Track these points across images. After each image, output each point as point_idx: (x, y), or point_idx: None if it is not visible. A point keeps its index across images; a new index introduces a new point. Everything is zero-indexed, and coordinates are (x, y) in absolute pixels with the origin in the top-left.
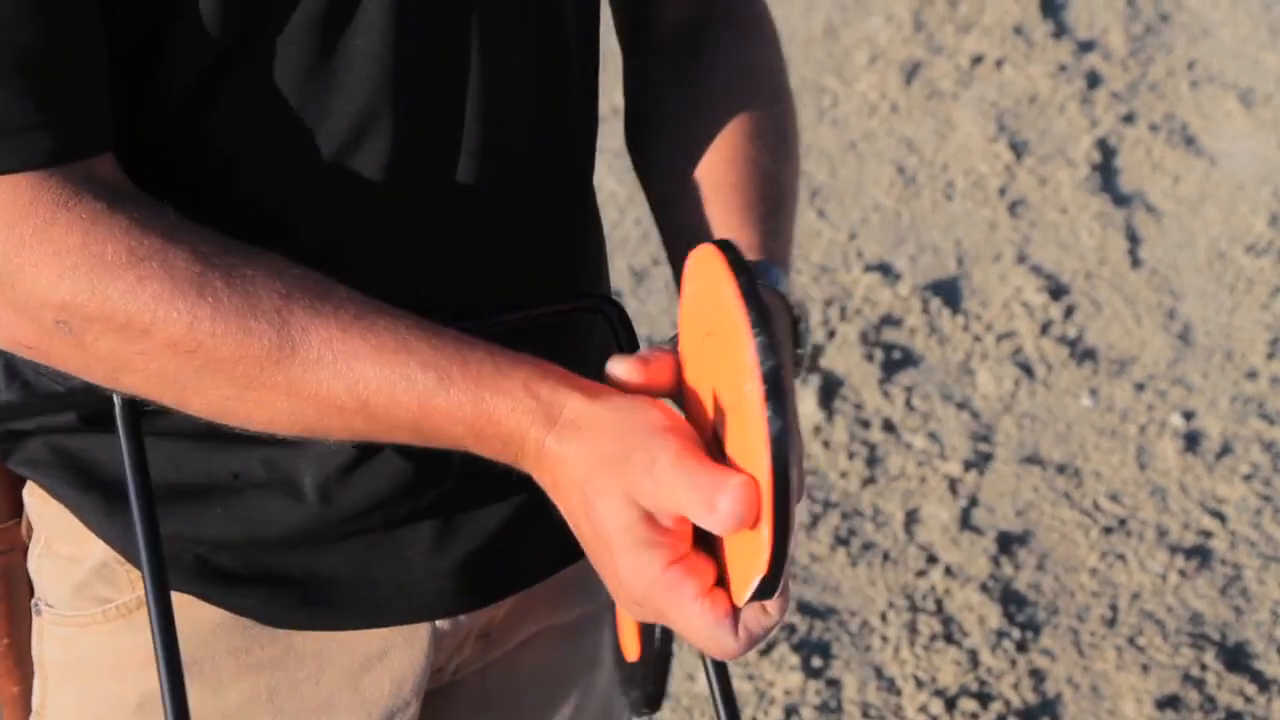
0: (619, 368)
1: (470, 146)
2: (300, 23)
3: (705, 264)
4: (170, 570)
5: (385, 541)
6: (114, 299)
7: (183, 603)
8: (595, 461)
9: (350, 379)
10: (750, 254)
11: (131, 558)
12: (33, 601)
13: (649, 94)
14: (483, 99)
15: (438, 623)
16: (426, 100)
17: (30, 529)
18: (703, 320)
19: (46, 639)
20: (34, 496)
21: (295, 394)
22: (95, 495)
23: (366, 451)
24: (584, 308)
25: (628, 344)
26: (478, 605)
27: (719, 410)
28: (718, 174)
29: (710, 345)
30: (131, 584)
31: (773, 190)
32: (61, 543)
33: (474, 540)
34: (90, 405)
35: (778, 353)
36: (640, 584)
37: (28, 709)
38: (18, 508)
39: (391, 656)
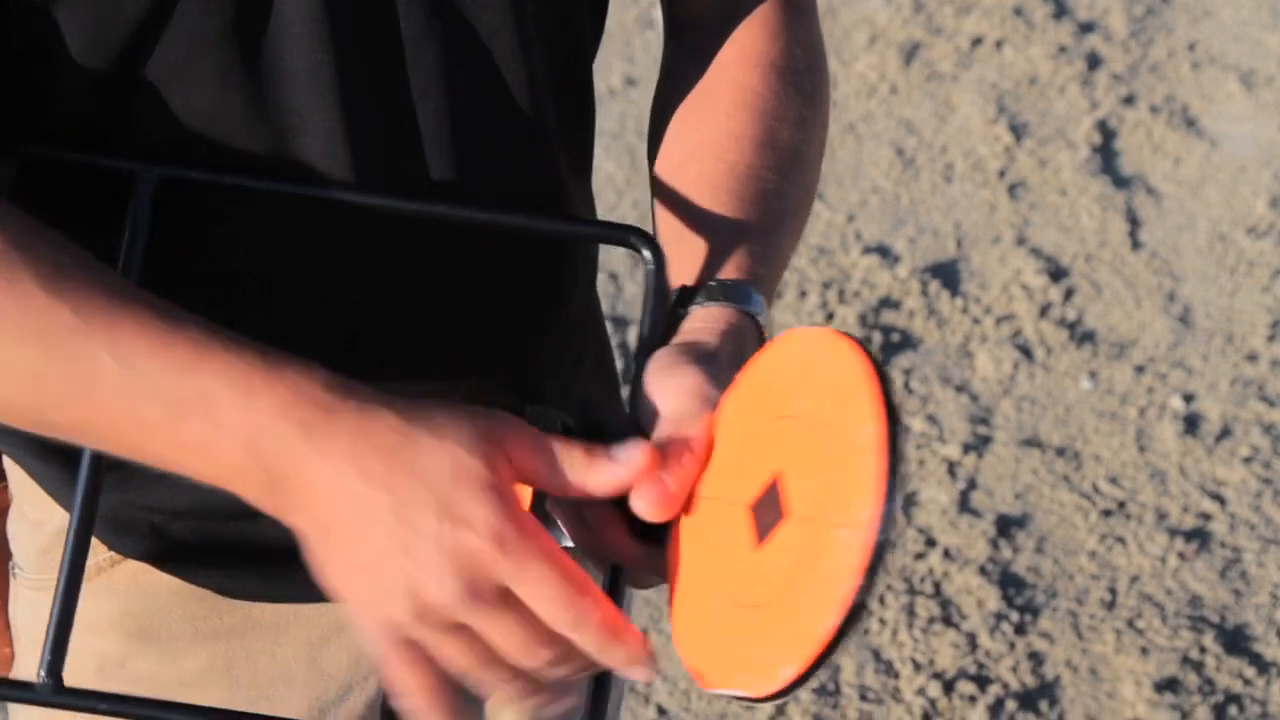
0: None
1: (412, 147)
2: (210, 32)
3: (825, 349)
4: (125, 537)
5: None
6: None
7: (139, 569)
8: (433, 404)
9: (114, 335)
10: (734, 274)
11: (95, 529)
12: (10, 564)
13: (667, 81)
14: (426, 98)
15: None
16: (357, 105)
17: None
18: (784, 401)
19: (19, 602)
20: (8, 459)
21: (48, 351)
22: (53, 463)
23: None
24: (609, 237)
25: (656, 291)
26: None
27: (770, 509)
28: (718, 181)
29: (784, 432)
30: (93, 550)
31: (773, 206)
32: (29, 506)
33: None
34: None
35: (891, 527)
36: (493, 526)
37: None
38: (3, 471)
39: (350, 630)
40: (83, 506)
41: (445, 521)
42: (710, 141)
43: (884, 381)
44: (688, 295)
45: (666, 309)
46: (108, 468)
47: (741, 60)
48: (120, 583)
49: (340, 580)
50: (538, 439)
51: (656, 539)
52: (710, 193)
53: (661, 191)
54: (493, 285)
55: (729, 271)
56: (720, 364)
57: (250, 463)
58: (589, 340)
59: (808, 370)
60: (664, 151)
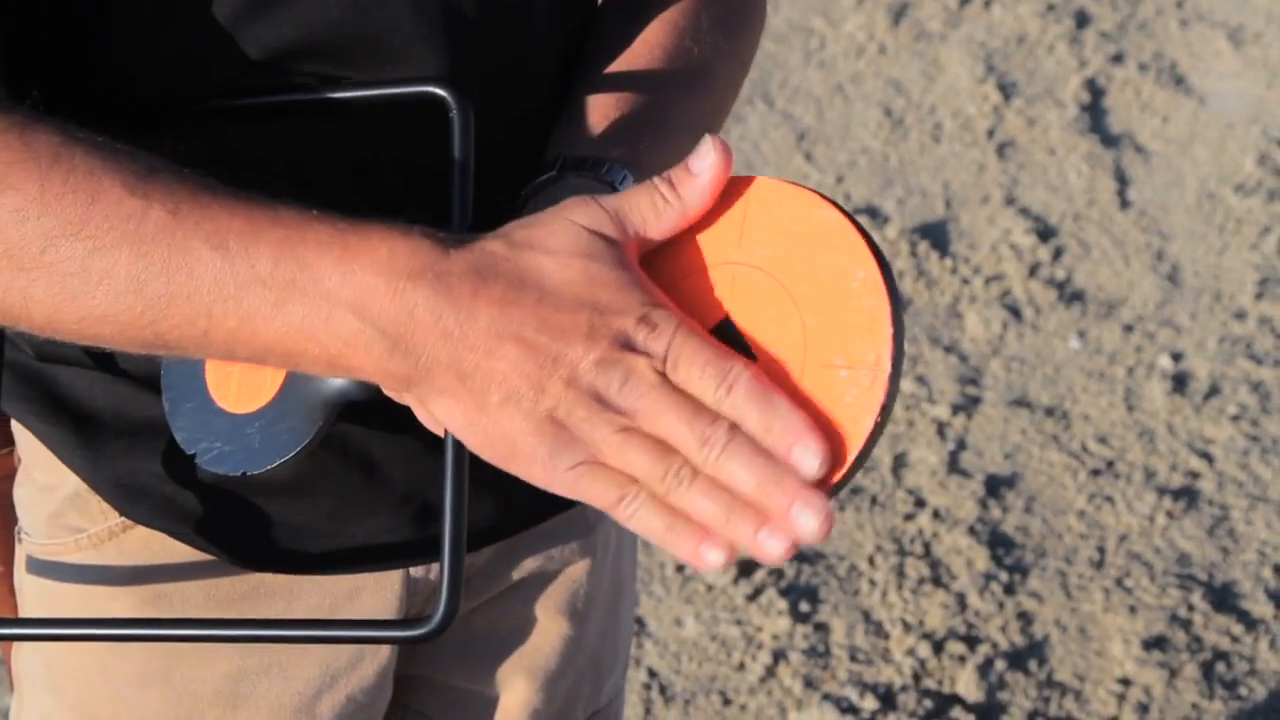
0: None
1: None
2: None
3: (782, 199)
4: (137, 505)
5: (355, 488)
6: None
7: (150, 535)
8: (526, 221)
9: (208, 226)
10: (614, 156)
11: (103, 491)
12: (15, 529)
13: (596, 16)
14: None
15: (411, 570)
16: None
17: (19, 458)
18: (730, 248)
19: (25, 565)
20: (17, 423)
21: (144, 251)
22: (64, 427)
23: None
24: (413, 95)
25: (463, 145)
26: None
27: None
28: (621, 79)
29: (734, 277)
30: (104, 514)
31: (671, 114)
32: (38, 470)
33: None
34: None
35: (901, 366)
36: (642, 310)
37: None
38: (9, 437)
39: (362, 598)
40: None
41: (595, 314)
42: (625, 47)
43: (862, 227)
44: (563, 163)
45: (470, 168)
46: (118, 434)
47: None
48: (132, 548)
49: (496, 427)
50: (627, 203)
51: None
52: (613, 88)
53: (574, 82)
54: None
55: (609, 154)
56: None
57: (367, 328)
58: None
59: (760, 219)
60: (589, 52)
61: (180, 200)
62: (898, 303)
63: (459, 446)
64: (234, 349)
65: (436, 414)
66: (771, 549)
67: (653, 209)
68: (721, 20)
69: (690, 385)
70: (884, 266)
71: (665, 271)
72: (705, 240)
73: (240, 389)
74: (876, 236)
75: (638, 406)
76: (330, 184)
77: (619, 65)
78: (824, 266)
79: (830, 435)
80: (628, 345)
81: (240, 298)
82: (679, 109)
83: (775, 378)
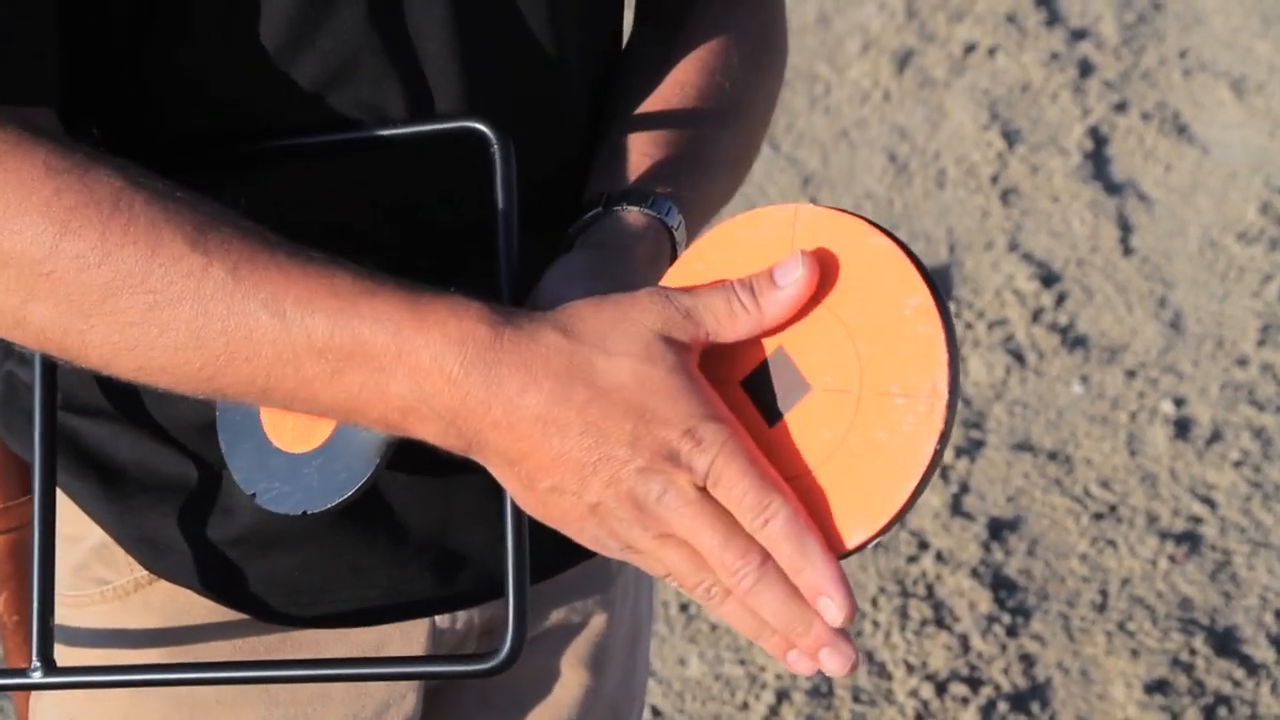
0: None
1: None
2: None
3: (830, 227)
4: (164, 560)
5: (377, 540)
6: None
7: (177, 589)
8: (594, 311)
9: (266, 291)
10: (657, 189)
11: (128, 545)
12: None
13: (625, 57)
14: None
15: (437, 619)
16: (408, 49)
17: None
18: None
19: None
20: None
21: (203, 309)
22: (90, 480)
23: None
24: (454, 132)
25: (505, 182)
26: (474, 604)
27: (773, 384)
28: (657, 117)
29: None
30: (130, 566)
31: (707, 150)
32: (62, 522)
33: (472, 540)
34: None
35: (959, 393)
36: (687, 423)
37: None
38: (28, 485)
39: (388, 649)
40: (43, 480)
41: (641, 426)
42: (658, 85)
43: (913, 253)
44: (609, 199)
45: (514, 201)
46: (144, 488)
47: (697, 27)
48: (158, 601)
49: (544, 507)
50: (702, 304)
51: None
52: (649, 126)
53: (607, 122)
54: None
55: (653, 187)
56: (633, 264)
57: (421, 406)
58: None
59: (809, 247)
60: (618, 90)
61: (239, 259)
62: (951, 329)
63: None
64: (294, 405)
65: (495, 475)
66: (801, 668)
67: (729, 315)
68: (750, 57)
69: (729, 506)
70: (936, 292)
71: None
72: (754, 266)
73: (296, 429)
74: None
75: (674, 520)
76: (371, 223)
77: (654, 104)
78: (876, 294)
79: (890, 464)
80: (672, 457)
81: (299, 363)
82: (714, 146)
83: (832, 408)
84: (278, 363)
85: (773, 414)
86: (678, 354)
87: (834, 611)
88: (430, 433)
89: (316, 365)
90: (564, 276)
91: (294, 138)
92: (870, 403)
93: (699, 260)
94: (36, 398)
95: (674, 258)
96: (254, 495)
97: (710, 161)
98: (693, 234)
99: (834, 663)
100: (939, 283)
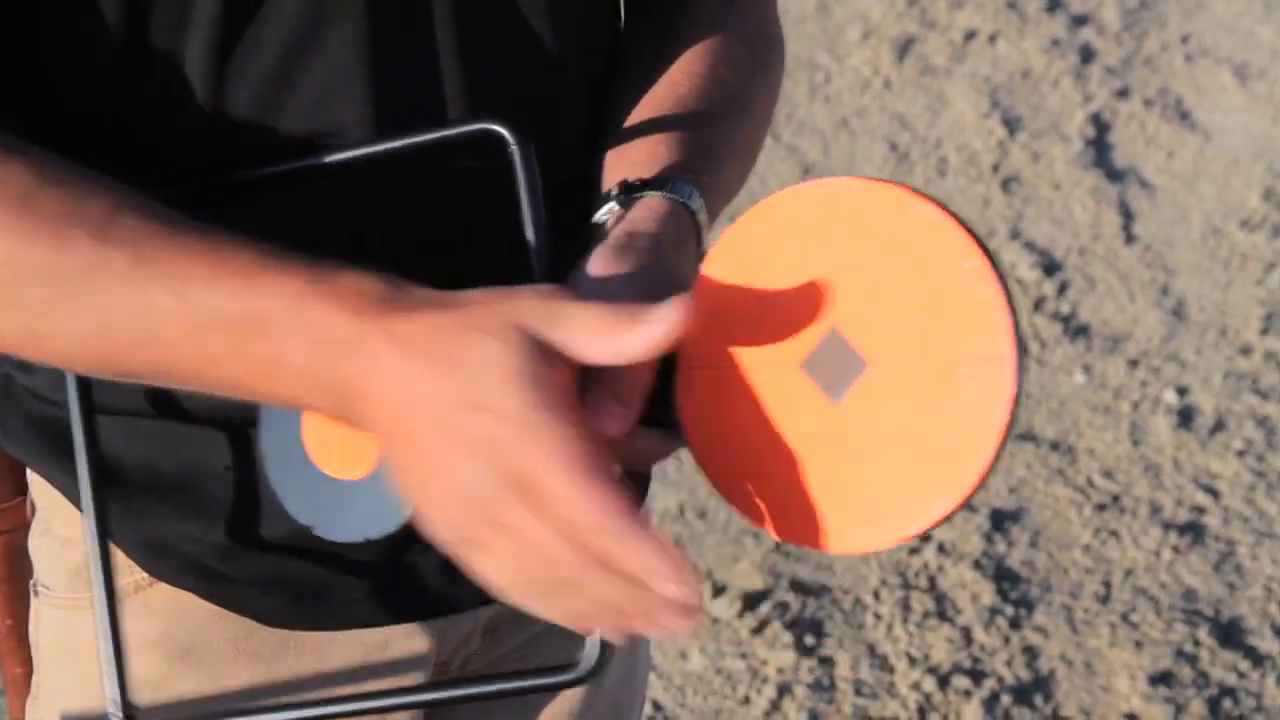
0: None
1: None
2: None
3: (865, 197)
4: (164, 563)
5: (386, 542)
6: None
7: (179, 592)
8: (465, 309)
9: (170, 272)
10: (676, 174)
11: (128, 548)
12: (31, 582)
13: (624, 52)
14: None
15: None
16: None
17: (34, 508)
18: (813, 256)
19: (43, 622)
20: (35, 475)
21: (108, 297)
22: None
23: None
24: (469, 135)
25: (529, 182)
26: (480, 604)
27: (832, 363)
28: (665, 105)
29: (826, 284)
30: (130, 568)
31: (718, 140)
32: (59, 524)
33: None
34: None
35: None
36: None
37: (30, 691)
38: (22, 486)
39: (392, 649)
40: (99, 527)
41: (466, 409)
42: (660, 77)
43: (960, 218)
44: (629, 187)
45: (540, 200)
46: (144, 491)
47: (696, 21)
48: (158, 603)
49: (410, 487)
50: (572, 317)
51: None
52: (657, 114)
53: (612, 113)
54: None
55: (670, 173)
56: (662, 251)
57: (316, 377)
58: None
59: (851, 222)
60: (620, 85)
61: (142, 245)
62: (1008, 291)
63: None
64: (198, 383)
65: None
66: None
67: (593, 334)
68: (751, 49)
69: (566, 517)
70: (989, 255)
71: (757, 288)
72: (797, 251)
73: (344, 454)
74: None
75: (510, 524)
76: (386, 244)
77: (661, 97)
78: (926, 264)
79: (964, 434)
80: (510, 475)
81: (202, 342)
82: (723, 136)
83: (896, 383)
84: (182, 343)
85: (836, 393)
86: (536, 349)
87: (674, 590)
88: (325, 404)
89: (220, 341)
90: (598, 272)
91: (292, 163)
92: (936, 377)
93: (739, 244)
94: (80, 453)
95: (699, 240)
96: (310, 527)
97: (721, 151)
98: (713, 210)
99: (683, 627)
100: (989, 246)
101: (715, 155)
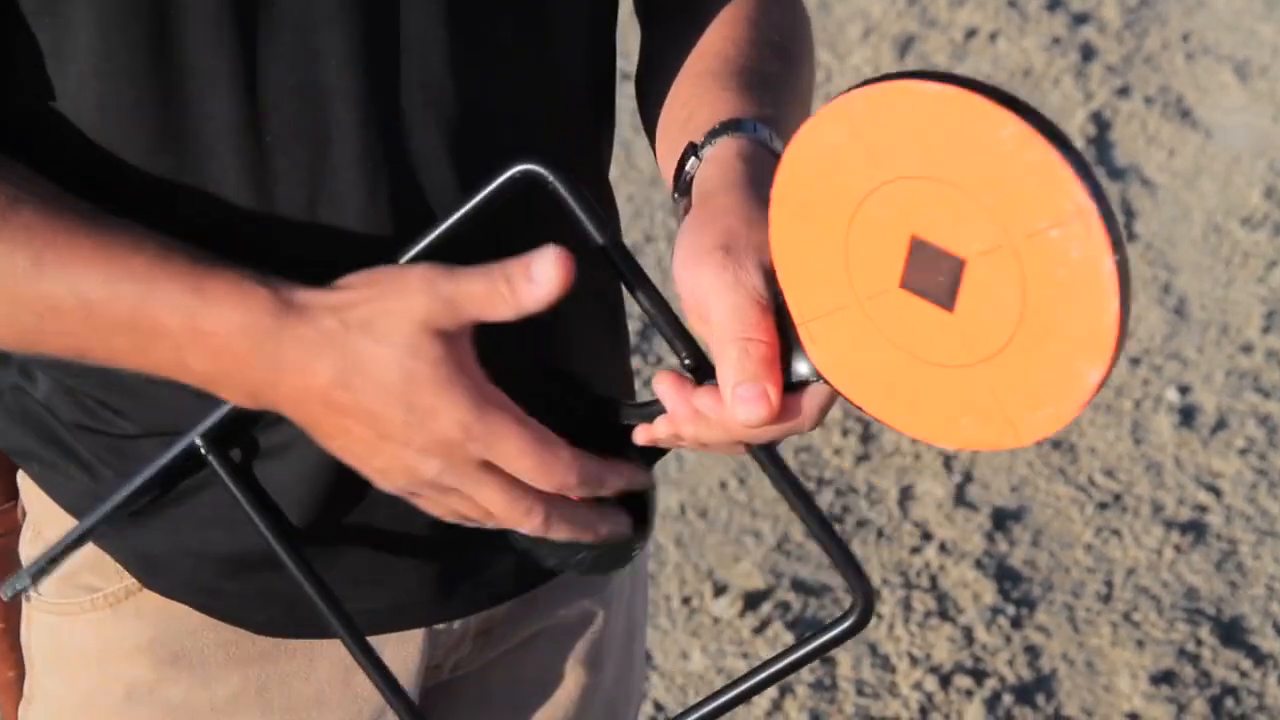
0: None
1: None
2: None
3: (894, 99)
4: (160, 577)
5: (380, 555)
6: None
7: (170, 600)
8: (366, 295)
9: (70, 278)
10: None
11: (123, 561)
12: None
13: (651, 46)
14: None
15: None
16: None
17: (25, 513)
18: (870, 171)
19: (34, 626)
20: (28, 481)
21: (13, 295)
22: (88, 496)
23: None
24: (510, 184)
25: (589, 214)
26: (472, 611)
27: (929, 272)
28: (716, 70)
29: (893, 196)
30: (120, 574)
31: (775, 86)
32: (50, 529)
33: (471, 550)
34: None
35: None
36: (456, 416)
37: (23, 695)
38: (13, 491)
39: (384, 653)
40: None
41: (412, 417)
42: (704, 46)
43: (981, 86)
44: (695, 148)
45: (601, 219)
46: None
47: (725, 18)
48: (149, 608)
49: (350, 461)
50: (465, 292)
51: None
52: (711, 79)
53: (662, 90)
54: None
55: (732, 117)
56: (746, 193)
57: (221, 379)
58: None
59: (879, 129)
60: (661, 66)
61: (42, 245)
62: (1063, 142)
63: (769, 451)
64: (117, 369)
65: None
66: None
67: (489, 302)
68: (783, 6)
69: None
70: (1026, 113)
71: (825, 229)
72: (842, 178)
73: None
74: None
75: (458, 486)
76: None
77: (710, 67)
78: (966, 142)
79: (1083, 295)
80: (447, 445)
81: (106, 338)
82: (777, 78)
83: (997, 270)
84: (88, 339)
85: (946, 299)
86: (444, 345)
87: (612, 527)
88: (237, 400)
89: (123, 341)
90: (689, 253)
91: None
92: (1027, 248)
93: (788, 188)
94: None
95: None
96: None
97: (778, 89)
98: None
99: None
100: (1028, 104)
101: (772, 94)
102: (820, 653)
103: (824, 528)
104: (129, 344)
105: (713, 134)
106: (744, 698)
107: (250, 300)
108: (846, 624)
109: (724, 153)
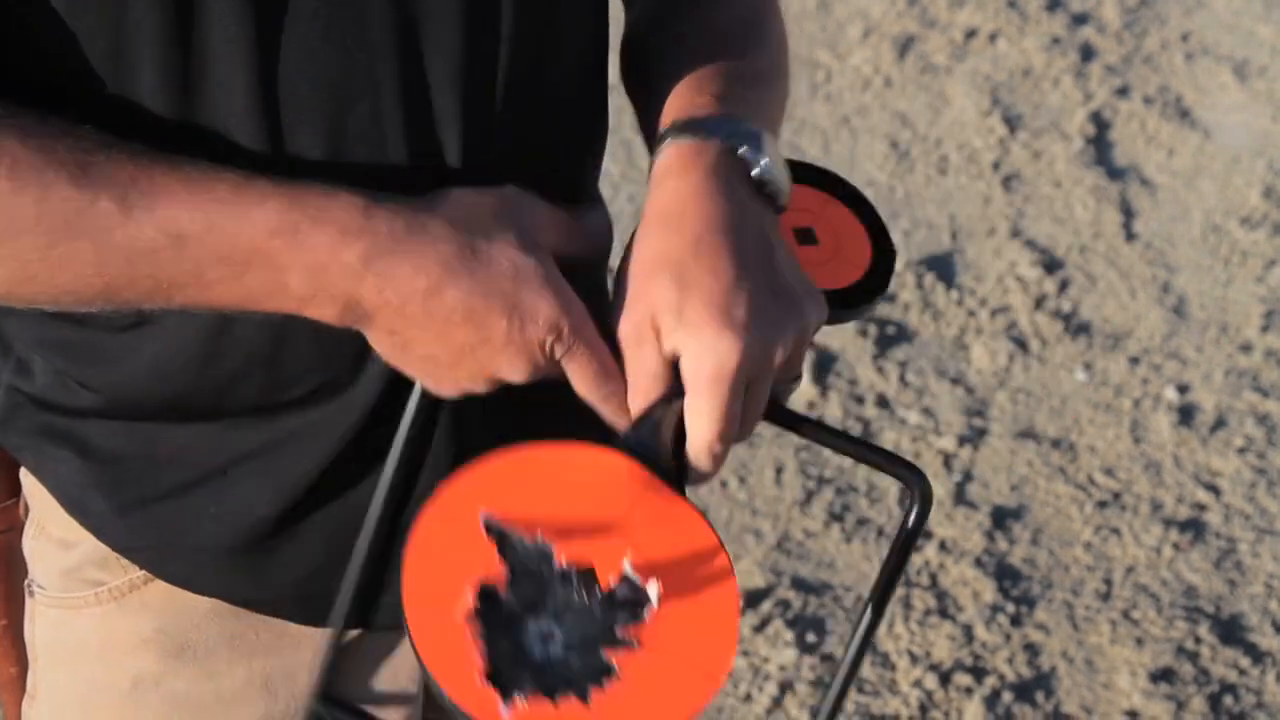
0: None
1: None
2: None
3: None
4: (168, 565)
5: (388, 549)
6: None
7: (175, 591)
8: (471, 200)
9: (159, 215)
10: (700, 112)
11: (134, 557)
12: (26, 582)
13: (640, 21)
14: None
15: None
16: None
17: (28, 510)
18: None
19: (39, 621)
20: (30, 477)
21: (101, 242)
22: (98, 492)
23: (357, 450)
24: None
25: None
26: None
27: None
28: (686, 53)
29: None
30: (124, 568)
31: (742, 68)
32: (53, 525)
33: None
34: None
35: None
36: (553, 316)
37: (25, 691)
38: (16, 487)
39: (387, 639)
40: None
41: (514, 319)
42: (681, 33)
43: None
44: (655, 147)
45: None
46: (154, 496)
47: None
48: (154, 600)
49: (419, 371)
50: (553, 214)
51: None
52: (692, 68)
53: (644, 97)
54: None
55: (692, 110)
56: (682, 193)
57: (319, 294)
58: None
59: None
60: (641, 50)
61: (126, 187)
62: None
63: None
64: (202, 305)
65: (369, 338)
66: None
67: (565, 235)
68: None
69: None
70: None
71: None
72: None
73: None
74: None
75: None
76: None
77: (684, 51)
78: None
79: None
80: (536, 347)
81: (200, 273)
82: (752, 62)
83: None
84: (179, 275)
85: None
86: (544, 253)
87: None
88: (327, 315)
89: (217, 271)
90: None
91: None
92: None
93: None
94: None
95: (736, 159)
96: None
97: (753, 76)
98: (762, 116)
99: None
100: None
101: (750, 83)
102: (910, 548)
103: (850, 441)
104: (223, 274)
105: (669, 131)
106: (869, 635)
107: (352, 209)
108: (915, 511)
109: (663, 161)
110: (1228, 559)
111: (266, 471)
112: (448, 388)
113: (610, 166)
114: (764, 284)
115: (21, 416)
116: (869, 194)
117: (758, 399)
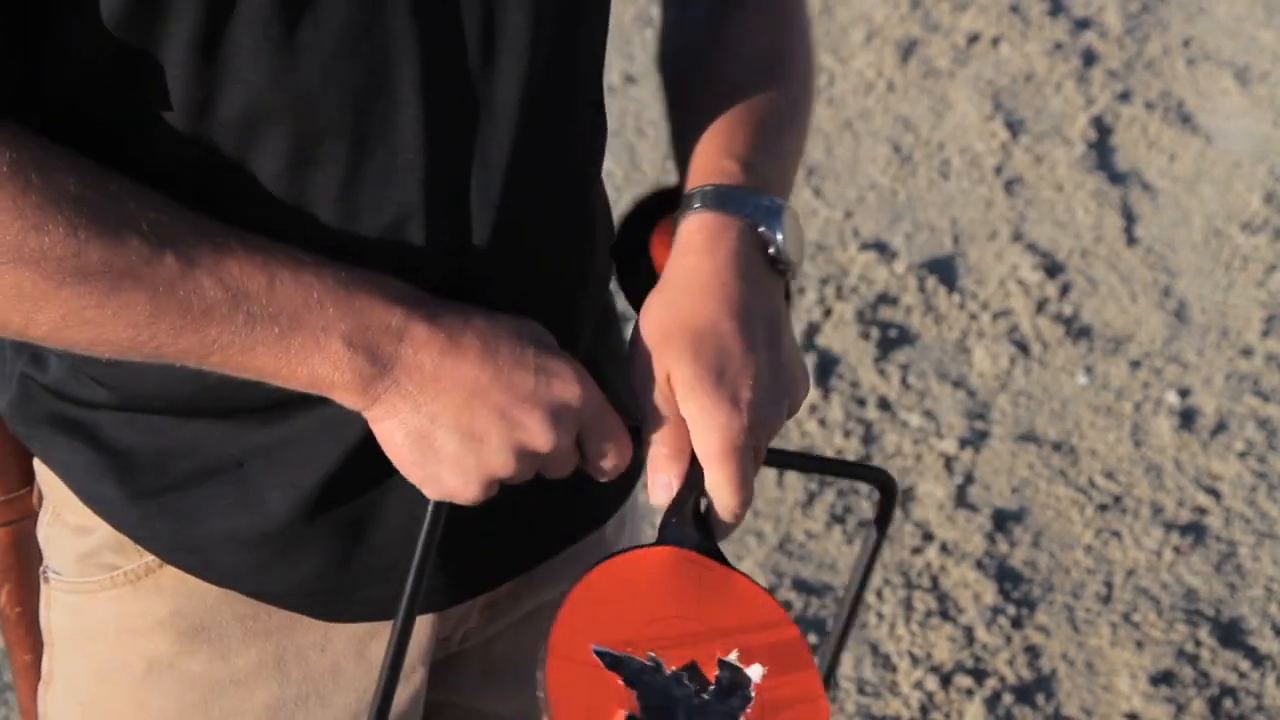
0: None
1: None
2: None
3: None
4: (180, 554)
5: (397, 545)
6: None
7: (188, 574)
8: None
9: (222, 272)
10: (722, 178)
11: (149, 546)
12: (41, 568)
13: (683, 27)
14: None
15: None
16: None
17: (41, 497)
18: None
19: (54, 606)
20: (43, 466)
21: (160, 294)
22: (110, 482)
23: (369, 451)
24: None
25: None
26: (480, 591)
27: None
28: (721, 96)
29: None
30: (139, 551)
31: (769, 113)
32: (69, 512)
33: (475, 530)
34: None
35: None
36: (574, 383)
37: (40, 677)
38: (29, 476)
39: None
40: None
41: (540, 376)
42: (713, 63)
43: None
44: (683, 202)
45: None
46: (167, 487)
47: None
48: (169, 583)
49: (440, 452)
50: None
51: None
52: (711, 102)
53: (674, 109)
54: (543, 250)
55: (720, 175)
56: (687, 267)
57: (354, 354)
58: (605, 295)
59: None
60: (677, 83)
61: (189, 245)
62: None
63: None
64: (235, 367)
65: (383, 413)
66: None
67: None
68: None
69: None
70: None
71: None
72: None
73: None
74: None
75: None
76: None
77: (716, 93)
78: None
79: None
80: (561, 408)
81: (252, 331)
82: (775, 109)
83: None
84: (226, 333)
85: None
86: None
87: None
88: (352, 378)
89: (265, 331)
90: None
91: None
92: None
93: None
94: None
95: (758, 236)
96: None
97: (775, 123)
98: (777, 178)
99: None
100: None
101: (773, 133)
102: (881, 544)
103: (814, 462)
104: (274, 331)
105: (689, 201)
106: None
107: (395, 282)
108: (880, 501)
109: (690, 235)
110: (1228, 562)
111: (280, 468)
112: (464, 473)
113: (614, 169)
114: (766, 364)
115: (33, 405)
116: (871, 198)
117: (757, 460)
